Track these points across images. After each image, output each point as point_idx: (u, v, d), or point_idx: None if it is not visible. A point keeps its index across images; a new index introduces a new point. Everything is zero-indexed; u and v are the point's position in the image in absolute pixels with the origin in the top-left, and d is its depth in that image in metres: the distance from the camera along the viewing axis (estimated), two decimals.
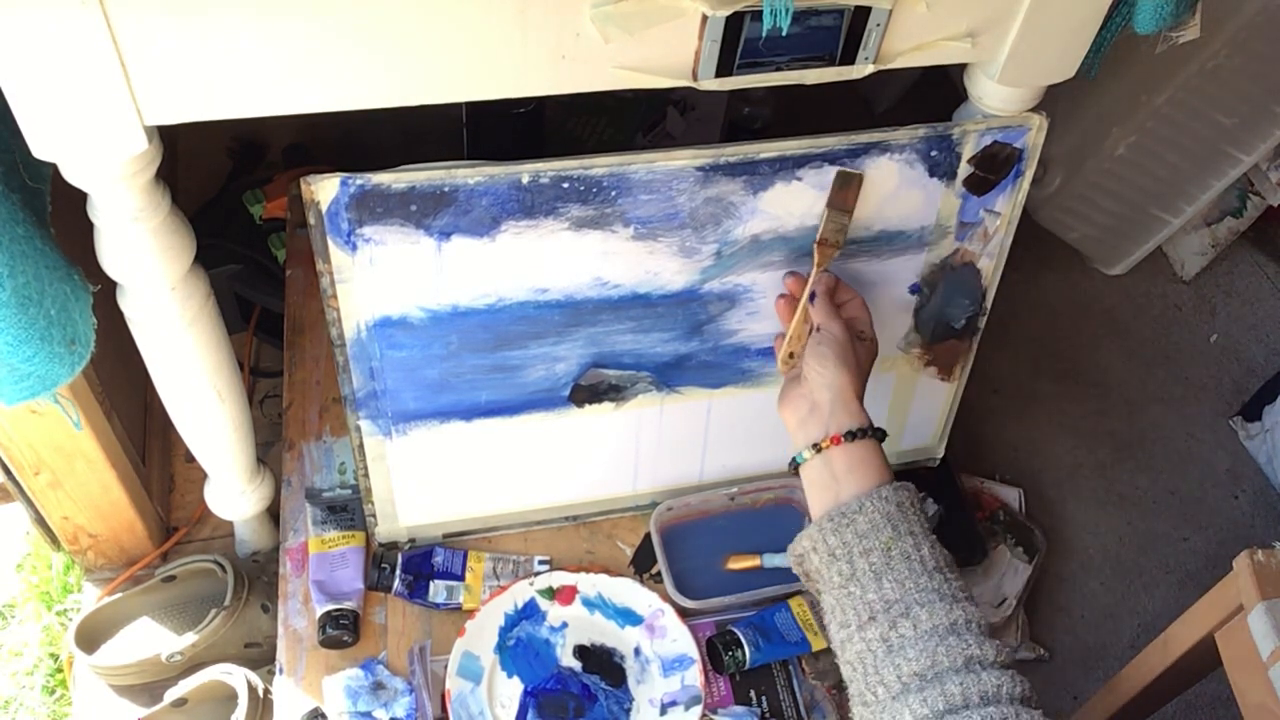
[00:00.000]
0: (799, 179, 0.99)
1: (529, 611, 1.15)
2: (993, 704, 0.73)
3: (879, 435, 0.90)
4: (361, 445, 1.09)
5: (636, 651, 1.14)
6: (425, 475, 1.13)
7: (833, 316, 0.96)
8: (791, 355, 0.99)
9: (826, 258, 1.00)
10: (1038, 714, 0.73)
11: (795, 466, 0.92)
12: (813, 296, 0.99)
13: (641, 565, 1.21)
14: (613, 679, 1.13)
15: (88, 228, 0.87)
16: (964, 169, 1.04)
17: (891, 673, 0.77)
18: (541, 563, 1.19)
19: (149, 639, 1.26)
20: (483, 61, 0.82)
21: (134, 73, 0.74)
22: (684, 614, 1.15)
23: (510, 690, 1.10)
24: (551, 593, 1.16)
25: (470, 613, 1.13)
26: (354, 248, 0.93)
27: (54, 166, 0.81)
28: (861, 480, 0.86)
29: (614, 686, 1.12)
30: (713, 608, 1.17)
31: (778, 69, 0.89)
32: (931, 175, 1.03)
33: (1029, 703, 0.74)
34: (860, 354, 0.95)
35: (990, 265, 1.13)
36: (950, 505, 1.47)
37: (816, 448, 0.90)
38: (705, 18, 0.82)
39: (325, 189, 0.89)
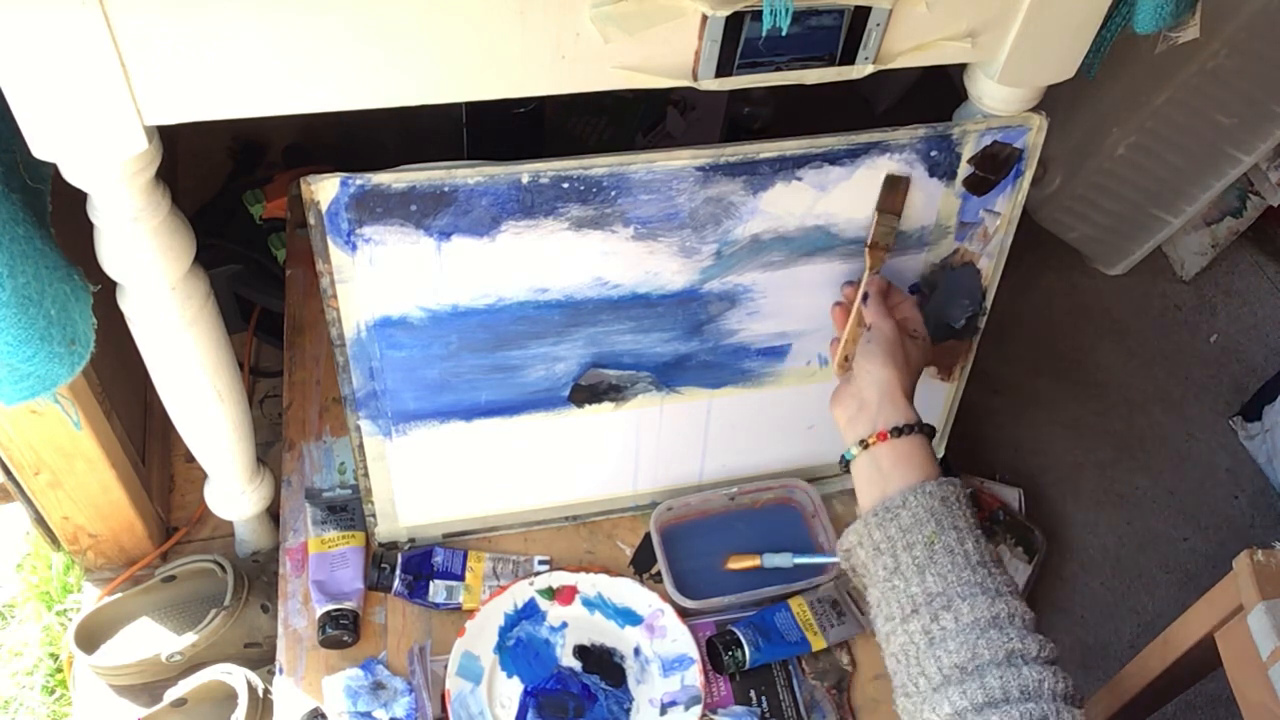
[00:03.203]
0: (799, 179, 0.99)
1: (529, 611, 1.15)
2: (1033, 700, 0.72)
3: (928, 431, 0.91)
4: (361, 445, 1.09)
5: (636, 651, 1.14)
6: (425, 475, 1.13)
7: (885, 316, 0.98)
8: (847, 359, 1.00)
9: (878, 260, 1.03)
10: (1079, 713, 0.72)
11: (845, 463, 0.93)
12: (865, 298, 1.00)
13: (641, 565, 1.21)
14: (613, 679, 1.13)
15: (88, 228, 0.87)
16: (964, 169, 1.04)
17: (933, 665, 0.77)
18: (541, 563, 1.19)
19: (149, 639, 1.26)
20: (483, 61, 0.82)
21: (134, 73, 0.74)
22: (684, 614, 1.15)
23: (510, 690, 1.10)
24: (551, 593, 1.16)
25: (470, 613, 1.13)
26: (354, 248, 0.93)
27: (54, 166, 0.81)
28: (907, 475, 0.86)
29: (614, 686, 1.12)
30: (713, 608, 1.17)
31: (778, 69, 0.89)
32: (931, 175, 1.03)
33: (1071, 700, 0.73)
34: (911, 352, 0.96)
35: (990, 265, 1.13)
36: None
37: (864, 444, 0.90)
38: (705, 18, 0.82)
39: (325, 189, 0.89)
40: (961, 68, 1.01)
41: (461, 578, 1.17)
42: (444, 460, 1.12)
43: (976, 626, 0.77)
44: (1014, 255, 1.13)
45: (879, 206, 1.03)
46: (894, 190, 1.02)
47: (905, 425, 0.89)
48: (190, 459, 1.18)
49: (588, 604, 1.16)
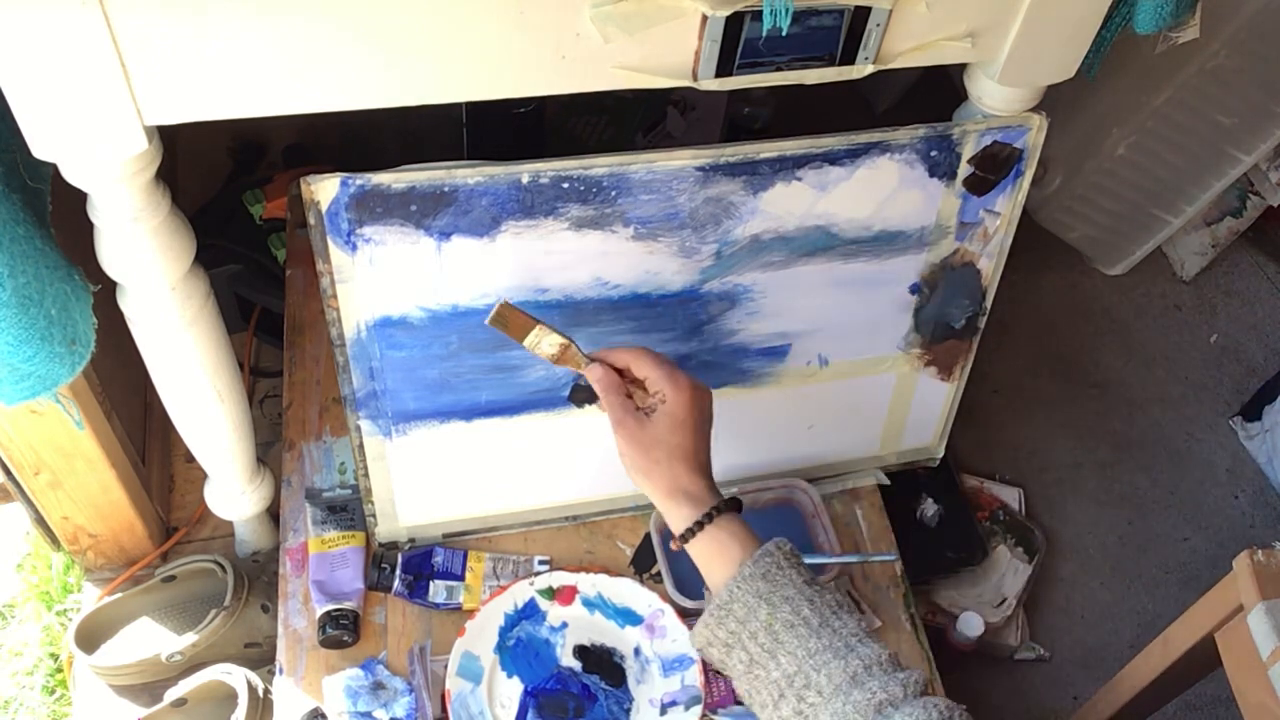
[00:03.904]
0: (799, 179, 0.99)
1: (529, 611, 1.15)
2: None
3: (722, 509, 0.87)
4: (361, 445, 1.09)
5: (636, 651, 1.14)
6: (425, 475, 1.13)
7: (617, 419, 0.91)
8: None
9: (573, 360, 0.94)
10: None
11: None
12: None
13: (641, 565, 1.21)
14: (613, 679, 1.13)
15: (88, 228, 0.87)
16: (964, 169, 1.04)
17: None
18: (541, 563, 1.19)
19: (149, 639, 1.25)
20: (483, 61, 0.82)
21: (134, 73, 0.74)
22: (684, 614, 1.15)
23: (510, 690, 1.11)
24: (551, 593, 1.16)
25: (470, 613, 1.13)
26: (354, 248, 0.93)
27: (54, 166, 0.81)
28: (724, 565, 0.85)
29: (614, 686, 1.12)
30: None
31: (778, 69, 0.89)
32: (931, 175, 1.03)
33: (956, 714, 0.74)
34: (652, 435, 0.89)
35: (990, 265, 1.13)
36: (950, 505, 1.47)
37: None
38: (705, 18, 0.82)
39: (325, 189, 0.89)
40: (961, 68, 1.01)
41: (461, 578, 1.17)
42: (444, 460, 1.12)
43: (840, 692, 0.77)
44: (1014, 255, 1.13)
45: (520, 341, 0.94)
46: (507, 321, 0.93)
47: (693, 525, 0.86)
48: (190, 459, 1.18)
49: (588, 604, 1.16)
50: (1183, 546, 1.64)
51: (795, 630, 0.80)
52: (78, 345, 0.88)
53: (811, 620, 0.81)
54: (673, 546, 0.89)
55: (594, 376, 0.93)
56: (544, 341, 0.94)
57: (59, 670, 1.32)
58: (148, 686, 1.24)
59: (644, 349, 0.93)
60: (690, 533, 0.86)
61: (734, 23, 0.83)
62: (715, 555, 0.86)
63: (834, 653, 0.79)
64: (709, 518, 0.86)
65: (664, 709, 1.10)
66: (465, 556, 1.18)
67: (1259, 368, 1.86)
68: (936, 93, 1.86)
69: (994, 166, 1.04)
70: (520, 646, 1.13)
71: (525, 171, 0.92)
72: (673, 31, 0.83)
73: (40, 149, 0.77)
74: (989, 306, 1.17)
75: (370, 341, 1.00)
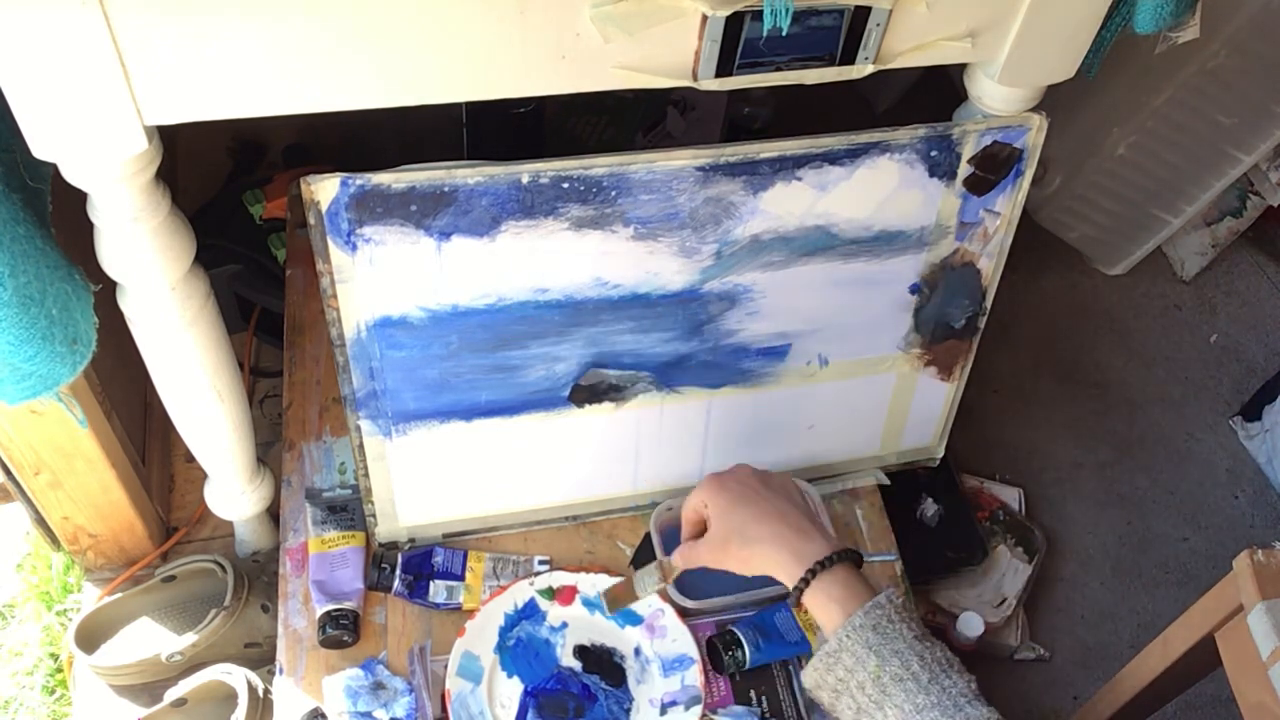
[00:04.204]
0: (799, 179, 0.99)
1: (529, 611, 1.15)
2: None
3: (837, 559, 0.87)
4: (361, 445, 1.09)
5: (636, 651, 1.14)
6: (425, 475, 1.13)
7: (698, 556, 0.94)
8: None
9: (668, 569, 0.99)
10: None
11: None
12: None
13: (641, 565, 1.21)
14: (613, 679, 1.13)
15: (88, 228, 0.87)
16: (964, 169, 1.04)
17: None
18: (541, 563, 1.19)
19: (149, 639, 1.26)
20: (483, 61, 0.82)
21: (134, 73, 0.74)
22: (684, 614, 1.15)
23: (510, 690, 1.10)
24: (551, 593, 1.16)
25: (470, 613, 1.13)
26: (354, 248, 0.93)
27: (54, 166, 0.81)
28: (836, 614, 0.85)
29: (614, 686, 1.12)
30: (713, 608, 1.17)
31: (778, 69, 0.89)
32: (931, 175, 1.03)
33: None
34: (718, 538, 0.92)
35: (990, 265, 1.13)
36: (950, 505, 1.47)
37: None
38: (705, 18, 0.82)
39: (325, 189, 0.89)
40: (961, 68, 1.01)
41: (461, 578, 1.17)
42: (444, 460, 1.12)
43: None
44: (1014, 255, 1.13)
45: (641, 597, 1.00)
46: (619, 599, 1.00)
47: (792, 591, 0.87)
48: (190, 459, 1.18)
49: (588, 604, 1.16)
50: (1182, 546, 1.64)
51: (904, 685, 0.80)
52: (79, 345, 0.88)
53: (921, 676, 0.81)
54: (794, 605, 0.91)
55: (680, 562, 0.96)
56: (647, 581, 0.99)
57: (59, 670, 1.32)
58: (148, 686, 1.24)
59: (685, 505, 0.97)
60: (803, 583, 0.87)
61: (734, 23, 0.83)
62: (824, 605, 0.86)
63: (942, 710, 0.79)
64: (805, 582, 0.87)
65: (664, 709, 1.10)
66: (465, 556, 1.18)
67: (1259, 368, 1.86)
68: (936, 93, 1.86)
69: (994, 166, 1.04)
70: (520, 646, 1.13)
71: (525, 171, 0.92)
72: (673, 31, 0.83)
73: (40, 149, 0.77)
74: (989, 306, 1.17)
75: (370, 341, 1.00)
